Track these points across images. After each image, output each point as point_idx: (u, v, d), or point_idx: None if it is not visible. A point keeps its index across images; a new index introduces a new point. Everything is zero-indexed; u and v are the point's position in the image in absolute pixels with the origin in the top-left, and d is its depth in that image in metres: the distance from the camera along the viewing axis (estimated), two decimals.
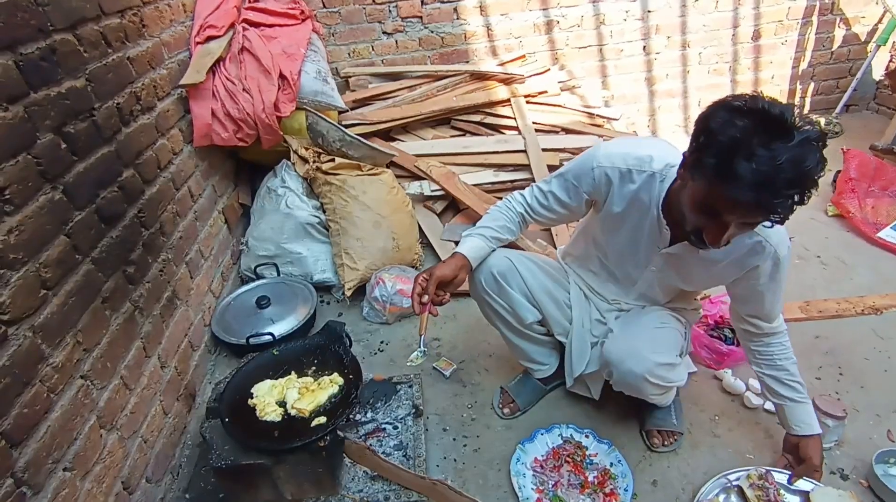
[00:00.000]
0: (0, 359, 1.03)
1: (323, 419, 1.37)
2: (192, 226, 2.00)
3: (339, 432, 1.36)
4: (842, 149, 2.82)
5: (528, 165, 2.58)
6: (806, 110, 3.88)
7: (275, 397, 1.43)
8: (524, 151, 2.64)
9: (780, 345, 1.44)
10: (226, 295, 2.23)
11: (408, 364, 1.44)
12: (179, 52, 2.05)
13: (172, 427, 1.69)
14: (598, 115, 2.97)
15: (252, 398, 1.43)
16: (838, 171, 2.88)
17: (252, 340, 1.91)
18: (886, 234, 2.52)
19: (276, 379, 1.50)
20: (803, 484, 1.43)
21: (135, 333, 1.52)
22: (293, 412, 1.39)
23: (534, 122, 2.80)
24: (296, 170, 2.34)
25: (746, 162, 0.97)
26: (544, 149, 2.64)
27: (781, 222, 1.08)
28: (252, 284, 2.24)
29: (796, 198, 1.01)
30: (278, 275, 2.29)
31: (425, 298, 1.36)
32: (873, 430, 1.63)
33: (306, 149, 2.31)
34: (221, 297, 2.20)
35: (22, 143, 1.15)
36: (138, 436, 1.49)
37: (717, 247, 1.15)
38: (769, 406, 1.71)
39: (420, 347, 1.42)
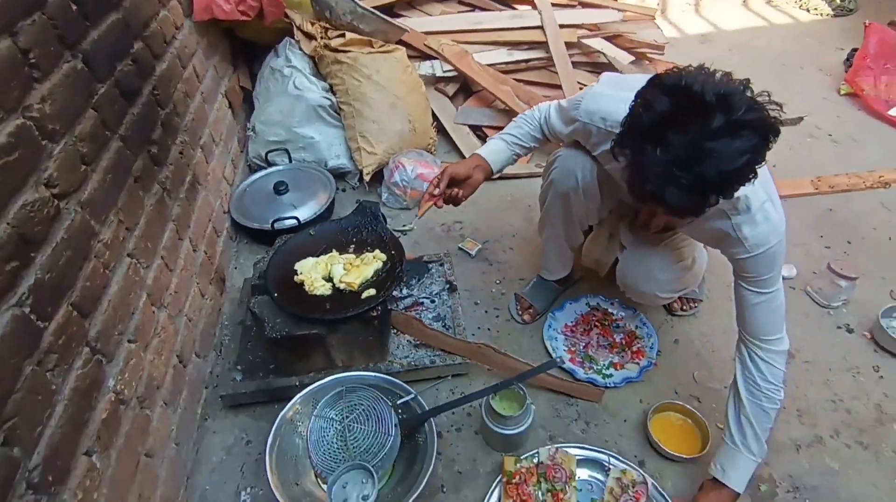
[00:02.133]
0: (58, 233, 1.01)
1: (372, 291, 1.41)
2: (201, 108, 1.90)
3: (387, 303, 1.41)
4: (864, 22, 2.74)
5: (545, 43, 2.46)
6: None
7: (320, 273, 1.45)
8: (540, 27, 2.50)
9: (773, 379, 1.19)
10: (238, 182, 2.18)
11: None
12: None
13: (210, 308, 1.73)
14: None
15: (297, 275, 1.45)
16: (854, 49, 2.82)
17: (277, 225, 1.90)
18: None
19: (318, 257, 1.51)
20: None
21: (167, 215, 1.50)
22: (342, 286, 1.42)
23: None
24: (300, 48, 2.19)
25: (653, 149, 0.86)
26: (561, 26, 2.50)
27: (697, 216, 0.96)
28: (265, 171, 2.18)
29: (709, 195, 0.88)
30: (290, 161, 2.23)
31: (436, 191, 1.38)
32: (878, 291, 1.75)
33: (312, 24, 2.15)
34: (235, 184, 2.16)
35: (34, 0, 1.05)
36: (183, 315, 1.52)
37: (645, 229, 1.07)
38: (784, 271, 1.80)
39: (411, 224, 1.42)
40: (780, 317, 1.21)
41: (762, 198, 1.09)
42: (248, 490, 1.38)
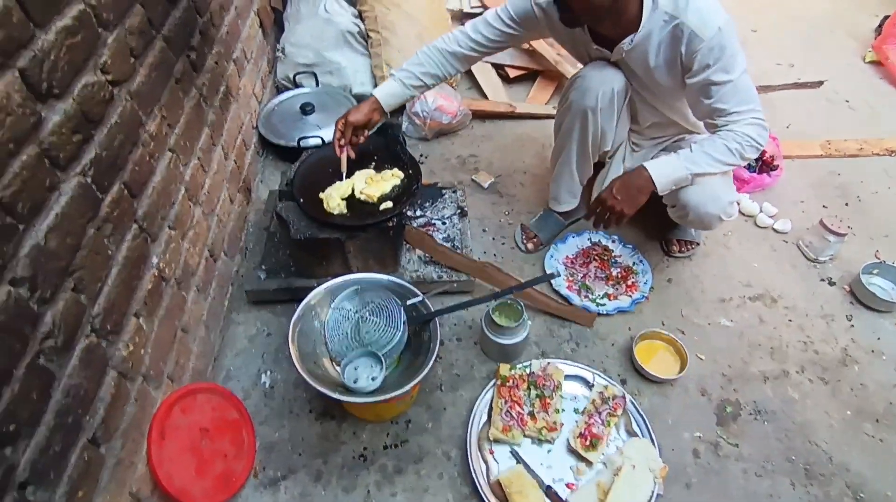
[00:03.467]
0: (112, 117, 1.11)
1: (390, 204, 1.52)
2: (234, 23, 1.95)
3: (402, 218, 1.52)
4: None
5: None
6: None
7: (340, 193, 1.55)
8: None
9: (742, 135, 1.31)
10: (267, 101, 2.26)
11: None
12: None
13: (237, 214, 1.85)
14: None
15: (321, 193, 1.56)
16: (886, 17, 2.78)
17: (302, 143, 1.99)
18: None
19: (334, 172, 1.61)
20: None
21: (203, 119, 1.59)
22: (361, 197, 1.53)
23: None
24: None
25: None
26: None
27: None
28: (293, 91, 2.25)
29: None
30: (317, 85, 2.29)
31: (342, 142, 1.53)
32: (864, 250, 1.84)
33: None
34: (263, 103, 2.23)
35: None
36: (214, 215, 1.64)
37: (570, 27, 1.26)
38: (778, 225, 1.91)
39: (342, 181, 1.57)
40: (750, 92, 1.31)
41: None
42: (268, 373, 1.54)
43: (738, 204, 1.88)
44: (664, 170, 1.37)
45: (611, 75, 1.46)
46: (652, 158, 1.47)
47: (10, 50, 0.81)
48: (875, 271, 1.73)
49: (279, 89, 2.38)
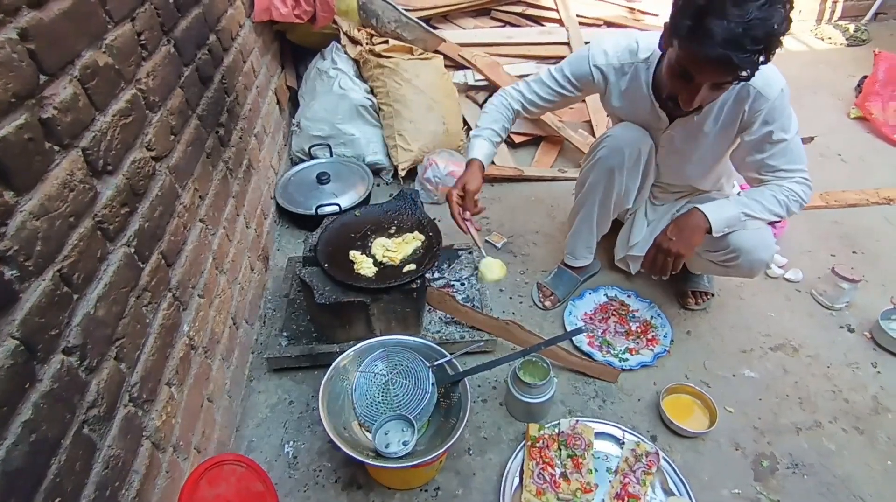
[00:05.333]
0: (154, 190, 1.16)
1: (413, 266, 1.55)
2: (256, 101, 2.07)
3: (425, 280, 1.55)
4: (874, 50, 2.89)
5: None
6: (837, 16, 3.87)
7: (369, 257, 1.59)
8: (567, 44, 2.67)
9: (789, 188, 1.38)
10: (282, 172, 2.35)
11: (485, 279, 1.67)
12: None
13: (257, 282, 1.88)
14: (638, 10, 2.97)
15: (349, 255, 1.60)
16: (864, 77, 2.96)
17: (320, 210, 2.05)
18: None
19: (363, 236, 1.66)
20: None
21: (229, 191, 1.65)
22: (384, 260, 1.57)
23: (577, 15, 2.79)
24: (346, 52, 2.37)
25: (718, 20, 1.04)
26: (586, 43, 2.66)
27: (747, 79, 1.15)
28: (308, 162, 2.35)
29: (762, 57, 1.08)
30: (331, 155, 2.39)
31: (467, 214, 1.54)
32: (879, 296, 1.86)
33: (358, 30, 2.33)
34: (280, 174, 2.32)
35: None
36: (237, 283, 1.67)
37: (689, 107, 1.25)
38: (790, 275, 1.94)
39: (483, 256, 1.63)
40: (801, 153, 1.39)
41: None
42: (291, 442, 1.51)
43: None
44: (718, 211, 1.40)
45: (639, 136, 1.53)
46: (678, 211, 1.51)
47: (76, 131, 0.87)
48: (894, 316, 1.74)
49: (294, 161, 2.48)
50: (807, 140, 2.63)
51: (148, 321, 1.09)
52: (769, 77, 1.29)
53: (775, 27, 1.04)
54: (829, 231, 2.15)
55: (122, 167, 1.03)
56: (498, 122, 1.61)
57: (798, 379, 1.64)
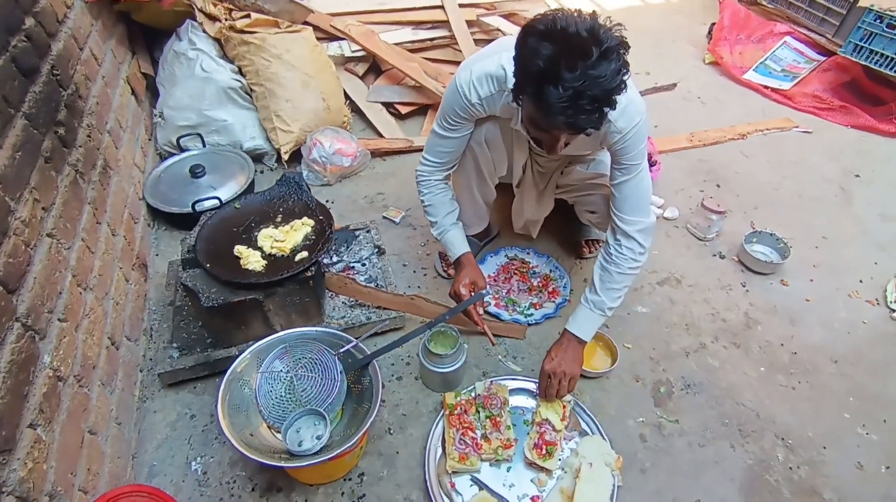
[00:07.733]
0: None
1: (305, 254, 1.47)
2: (104, 93, 1.83)
3: (321, 266, 1.48)
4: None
5: (447, 22, 2.59)
6: None
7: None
8: (441, 7, 2.63)
9: (629, 251, 1.42)
10: (150, 169, 2.12)
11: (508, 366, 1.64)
12: None
13: (135, 293, 1.70)
14: None
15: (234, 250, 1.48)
16: (713, 24, 3.22)
17: (197, 206, 1.89)
18: (750, 76, 2.95)
19: (246, 228, 1.55)
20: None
21: (82, 197, 1.46)
22: (274, 251, 1.47)
23: None
24: (205, 31, 2.16)
25: (554, 88, 1.01)
26: (461, 5, 2.64)
27: (597, 128, 1.13)
28: (179, 155, 2.14)
29: (604, 110, 1.07)
30: (204, 146, 2.20)
31: (480, 310, 1.57)
32: (742, 222, 2.07)
33: (214, 5, 2.13)
34: (147, 172, 2.10)
35: None
36: (110, 298, 1.50)
37: (552, 153, 1.26)
38: (668, 213, 2.09)
39: (505, 357, 1.65)
40: (644, 198, 1.42)
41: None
42: (199, 459, 1.41)
43: None
44: (586, 326, 1.48)
45: (487, 127, 1.50)
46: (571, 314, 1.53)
47: None
48: (755, 240, 1.94)
49: (162, 156, 2.25)
50: (670, 86, 2.82)
51: None
52: (627, 109, 1.27)
53: (609, 83, 1.02)
54: (696, 168, 2.34)
55: None
56: (445, 205, 1.60)
57: (683, 308, 1.79)
